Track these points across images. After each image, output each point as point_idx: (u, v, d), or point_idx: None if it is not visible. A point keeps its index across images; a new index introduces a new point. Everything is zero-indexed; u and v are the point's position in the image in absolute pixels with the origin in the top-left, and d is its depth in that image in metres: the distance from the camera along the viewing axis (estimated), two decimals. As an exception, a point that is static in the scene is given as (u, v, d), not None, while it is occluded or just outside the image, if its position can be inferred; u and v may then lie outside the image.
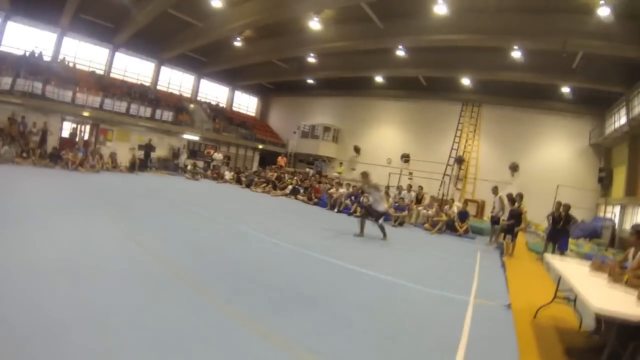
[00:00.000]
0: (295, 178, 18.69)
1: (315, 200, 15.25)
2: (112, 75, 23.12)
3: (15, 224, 5.35)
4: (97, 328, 2.67)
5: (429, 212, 13.51)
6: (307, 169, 24.29)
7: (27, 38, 19.13)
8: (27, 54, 18.62)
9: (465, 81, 20.33)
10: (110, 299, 3.16)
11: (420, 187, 14.90)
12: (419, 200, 14.54)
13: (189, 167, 19.86)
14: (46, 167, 14.65)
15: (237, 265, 4.89)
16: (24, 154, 14.77)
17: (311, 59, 21.49)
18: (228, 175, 20.07)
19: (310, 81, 26.33)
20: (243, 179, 19.08)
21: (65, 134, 18.51)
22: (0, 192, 8.20)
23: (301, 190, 16.61)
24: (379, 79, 23.00)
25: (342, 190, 14.99)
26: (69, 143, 17.66)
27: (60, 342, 2.45)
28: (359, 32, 17.25)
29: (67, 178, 12.78)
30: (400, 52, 17.99)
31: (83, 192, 9.92)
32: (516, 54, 15.51)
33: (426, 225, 12.93)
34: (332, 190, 15.25)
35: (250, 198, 15.13)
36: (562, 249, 9.58)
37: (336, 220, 11.84)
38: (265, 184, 17.62)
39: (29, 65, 17.72)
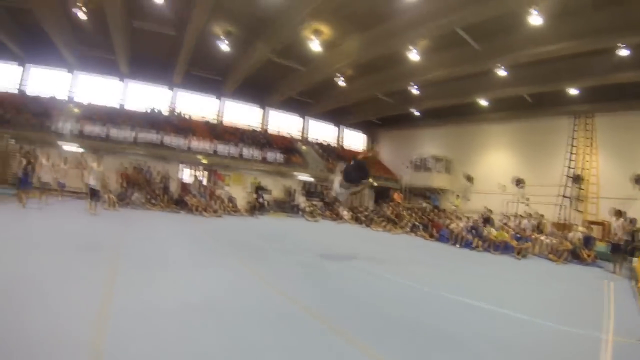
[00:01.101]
0: (413, 214, 21.93)
1: (436, 235, 18.20)
2: (223, 122, 30.14)
3: (162, 268, 7.34)
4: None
5: (552, 240, 15.25)
6: (423, 204, 28.77)
7: (145, 96, 27.47)
8: (147, 110, 26.38)
9: (573, 91, 22.26)
10: (255, 337, 4.39)
11: (541, 215, 17.20)
12: (540, 229, 16.58)
13: (307, 209, 24.29)
14: (173, 211, 19.08)
15: (370, 306, 6.19)
16: (152, 200, 19.54)
17: (414, 90, 25.47)
18: (347, 214, 24.58)
19: (415, 113, 30.60)
20: (362, 217, 23.43)
21: (185, 179, 24.24)
22: (143, 238, 11.09)
23: (420, 227, 19.73)
24: (482, 102, 26.17)
25: (462, 223, 17.54)
26: (189, 188, 22.62)
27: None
28: (457, 57, 20.39)
29: (194, 222, 16.18)
30: (501, 72, 20.70)
31: (212, 236, 12.88)
32: (623, 52, 16.84)
33: (550, 256, 14.52)
34: (452, 225, 17.79)
35: (370, 237, 18.05)
36: None
37: (458, 256, 14.08)
38: (384, 222, 21.58)
39: (149, 120, 24.86)
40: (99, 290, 5.48)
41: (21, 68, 26.78)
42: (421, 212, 23.60)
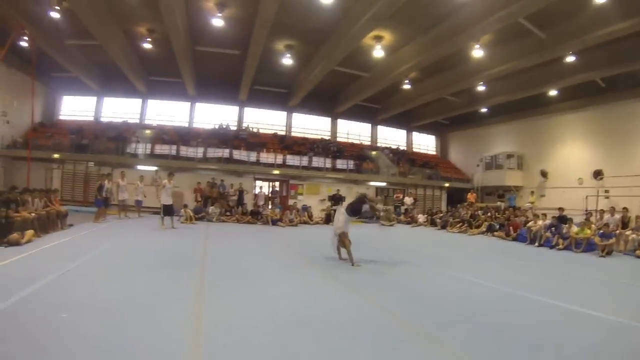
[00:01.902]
0: (489, 214, 21.95)
1: (514, 235, 18.00)
2: (292, 134, 31.45)
3: (247, 280, 7.56)
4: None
5: (639, 236, 14.22)
6: (498, 203, 28.49)
7: (213, 114, 29.62)
8: (216, 126, 28.04)
9: (650, 69, 20.19)
10: (351, 349, 4.41)
11: (625, 209, 16.22)
12: (625, 223, 15.68)
13: (382, 214, 22.75)
14: (248, 223, 19.74)
15: (461, 313, 6.06)
16: (228, 213, 20.37)
17: (480, 88, 25.99)
18: (421, 218, 24.84)
19: (483, 110, 30.99)
20: (437, 220, 23.37)
21: (259, 191, 24.82)
22: (224, 251, 11.42)
23: (497, 226, 19.60)
24: (552, 92, 26.04)
25: (540, 222, 17.19)
26: (263, 200, 23.32)
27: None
28: (522, 48, 20.21)
29: (271, 233, 16.56)
30: (569, 58, 20.55)
31: (291, 246, 13.07)
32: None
33: (638, 252, 13.75)
34: (530, 223, 17.51)
35: (447, 240, 18.10)
36: None
37: (539, 255, 13.79)
38: (460, 224, 21.58)
39: (218, 136, 26.41)
40: (190, 305, 5.72)
41: (95, 98, 30.16)
42: (496, 211, 23.48)
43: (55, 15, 18.61)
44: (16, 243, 9.84)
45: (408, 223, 24.79)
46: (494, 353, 4.51)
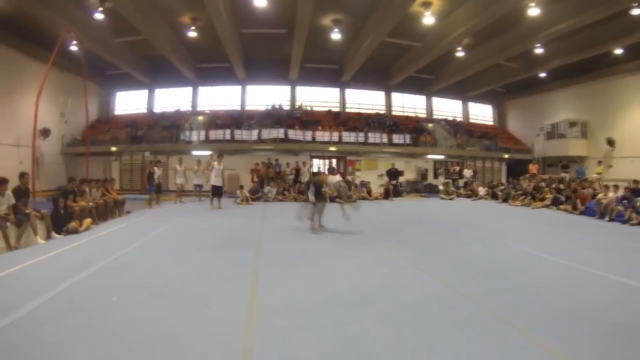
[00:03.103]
0: (553, 186, 20.68)
1: (582, 208, 16.78)
2: (347, 110, 31.14)
3: (305, 259, 7.39)
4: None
5: None
6: (562, 174, 26.54)
7: (264, 95, 29.71)
8: (269, 107, 28.11)
9: None
10: (416, 330, 4.10)
11: None
12: None
13: (441, 187, 24.15)
14: (306, 201, 20.10)
15: (531, 292, 5.50)
16: (285, 192, 20.42)
17: (538, 50, 24.50)
18: (482, 191, 23.95)
19: (542, 75, 29.41)
20: (499, 193, 22.44)
21: (316, 170, 24.84)
22: (280, 230, 11.29)
23: (563, 199, 18.45)
24: (617, 51, 24.11)
25: (611, 194, 15.82)
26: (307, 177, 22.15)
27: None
28: (582, 3, 18.72)
29: (330, 211, 14.98)
30: (636, 11, 18.70)
31: (349, 223, 11.88)
32: None
33: None
34: (600, 196, 16.23)
35: (510, 213, 17.38)
36: None
37: (611, 231, 12.57)
38: (523, 196, 20.54)
39: (273, 116, 26.40)
40: (244, 286, 5.60)
41: (147, 91, 31.51)
42: (560, 182, 22.05)
43: (99, 16, 19.65)
44: (75, 231, 10.41)
45: (468, 196, 23.97)
46: (574, 338, 4.03)
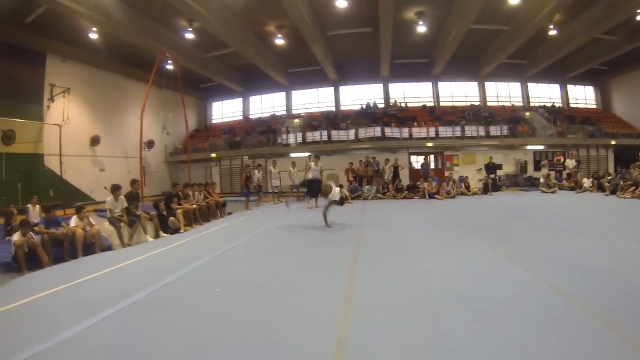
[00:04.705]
0: None
1: None
2: (441, 104, 30.69)
3: (401, 254, 7.30)
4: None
5: None
6: None
7: (358, 95, 30.37)
8: (363, 106, 28.61)
9: None
10: (511, 331, 3.85)
11: None
12: None
13: (542, 180, 22.92)
14: (405, 198, 19.63)
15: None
16: (384, 190, 20.35)
17: None
18: (587, 182, 22.44)
19: None
20: (606, 184, 20.86)
21: (414, 166, 25.26)
22: (379, 225, 11.37)
23: None
24: None
25: None
26: (419, 174, 23.27)
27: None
28: None
29: (428, 207, 16.27)
30: None
31: (449, 219, 12.54)
32: None
33: None
34: None
35: (619, 206, 15.61)
36: None
37: None
38: (633, 188, 18.70)
39: (368, 115, 26.97)
40: (342, 280, 5.75)
41: (241, 99, 33.48)
42: None
43: (190, 35, 21.90)
44: (177, 230, 11.68)
45: (572, 189, 22.60)
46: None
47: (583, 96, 33.99)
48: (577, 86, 33.50)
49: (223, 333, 4.02)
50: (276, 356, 3.52)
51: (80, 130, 22.03)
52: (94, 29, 19.86)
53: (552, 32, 23.37)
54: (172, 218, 11.79)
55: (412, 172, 24.81)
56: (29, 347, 3.70)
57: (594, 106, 33.80)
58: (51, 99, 20.64)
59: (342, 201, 10.72)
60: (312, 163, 16.51)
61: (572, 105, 33.08)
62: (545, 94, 33.06)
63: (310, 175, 16.27)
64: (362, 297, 4.98)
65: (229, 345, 3.72)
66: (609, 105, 33.06)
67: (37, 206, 13.14)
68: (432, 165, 25.54)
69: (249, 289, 5.53)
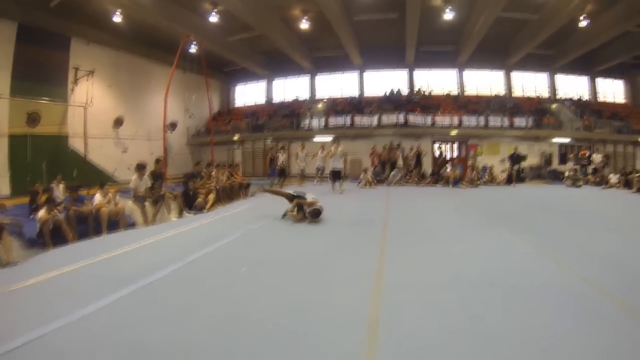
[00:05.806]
0: None
1: None
2: (466, 93, 30.27)
3: (428, 240, 7.30)
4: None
5: None
6: None
7: (382, 81, 29.96)
8: (387, 93, 28.44)
9: None
10: (541, 319, 3.83)
11: None
12: None
13: (567, 174, 22.72)
14: (428, 185, 19.75)
15: None
16: (407, 176, 20.44)
17: None
18: (613, 178, 21.93)
19: None
20: (634, 180, 20.14)
21: (437, 153, 25.37)
22: (405, 212, 11.26)
23: None
24: None
25: None
26: (442, 162, 23.47)
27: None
28: None
29: (452, 194, 16.25)
30: None
31: (473, 207, 12.48)
32: None
33: None
34: None
35: None
36: None
37: None
38: None
39: (392, 101, 26.84)
40: (370, 263, 5.73)
41: (264, 82, 33.43)
42: None
43: (214, 18, 21.71)
44: (201, 208, 11.61)
45: (598, 184, 22.15)
46: None
47: (612, 90, 33.04)
48: (606, 79, 32.51)
49: (250, 314, 4.03)
50: (310, 336, 3.56)
51: (104, 112, 22.45)
52: (118, 11, 20.13)
53: (583, 23, 22.59)
54: (199, 199, 11.86)
55: (435, 159, 24.94)
56: (58, 319, 3.83)
57: (623, 101, 32.85)
58: (75, 82, 20.98)
59: (317, 213, 9.53)
60: (333, 147, 16.55)
61: (600, 99, 32.28)
62: (572, 86, 32.31)
63: (331, 160, 16.57)
64: (392, 279, 5.01)
65: (257, 326, 3.75)
66: (639, 101, 32.11)
67: (62, 185, 13.48)
68: (449, 157, 26.06)
69: (275, 269, 5.59)
